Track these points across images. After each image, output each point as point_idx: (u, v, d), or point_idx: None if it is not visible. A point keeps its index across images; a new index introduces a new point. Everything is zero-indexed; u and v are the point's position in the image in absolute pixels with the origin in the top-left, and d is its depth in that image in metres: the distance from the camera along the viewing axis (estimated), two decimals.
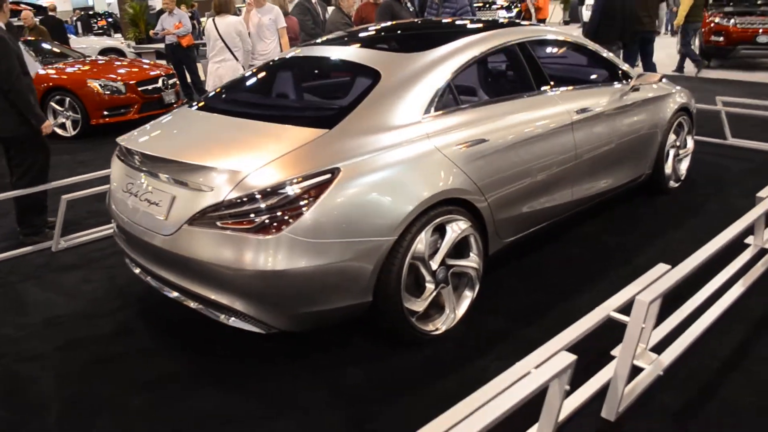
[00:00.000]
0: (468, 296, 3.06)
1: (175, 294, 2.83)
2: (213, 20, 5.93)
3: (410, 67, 3.04)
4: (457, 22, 4.05)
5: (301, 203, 2.45)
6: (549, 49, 4.12)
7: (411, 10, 6.71)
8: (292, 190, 2.45)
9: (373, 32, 3.78)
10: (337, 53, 3.38)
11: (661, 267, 2.73)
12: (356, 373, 2.75)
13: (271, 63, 3.66)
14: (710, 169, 5.49)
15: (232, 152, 2.67)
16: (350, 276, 2.56)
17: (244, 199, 2.45)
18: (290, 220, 2.42)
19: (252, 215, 2.44)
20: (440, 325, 2.92)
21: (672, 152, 4.69)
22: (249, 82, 3.55)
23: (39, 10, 14.01)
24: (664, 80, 4.70)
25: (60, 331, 3.23)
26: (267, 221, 2.42)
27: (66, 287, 3.76)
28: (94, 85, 7.74)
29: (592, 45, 4.11)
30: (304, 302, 2.55)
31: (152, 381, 2.76)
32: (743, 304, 3.19)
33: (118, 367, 2.88)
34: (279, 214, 2.42)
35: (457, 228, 2.88)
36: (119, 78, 7.99)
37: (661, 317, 2.81)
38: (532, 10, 14.80)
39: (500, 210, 3.14)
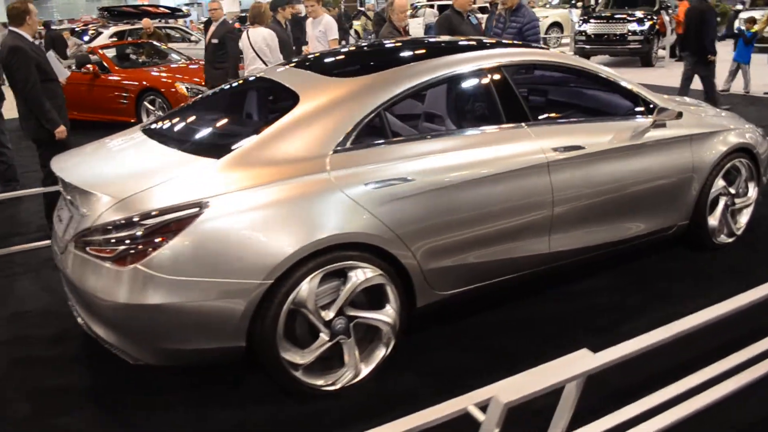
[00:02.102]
0: (381, 353, 2.74)
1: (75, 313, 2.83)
2: (247, 32, 6.16)
3: (333, 93, 2.79)
4: (435, 42, 3.64)
5: (161, 237, 2.33)
6: (540, 76, 3.61)
7: (476, 23, 6.30)
8: (153, 222, 2.34)
9: (338, 53, 3.55)
10: (281, 76, 3.19)
11: (583, 353, 2.25)
12: (227, 418, 2.57)
13: (227, 84, 3.56)
14: None
15: (121, 178, 2.63)
16: (215, 317, 2.39)
17: (108, 228, 2.38)
18: (147, 254, 2.31)
19: (113, 244, 2.36)
20: (336, 381, 2.64)
21: (723, 201, 3.93)
22: (194, 105, 3.45)
23: (174, 12, 15.18)
24: (711, 114, 3.96)
25: (17, 326, 3.41)
26: (125, 252, 2.33)
27: (52, 283, 3.95)
28: (181, 87, 8.23)
29: (605, 72, 3.51)
30: (164, 339, 2.43)
31: (51, 390, 2.80)
32: (731, 408, 2.54)
33: (35, 372, 2.96)
34: (137, 246, 2.33)
35: (362, 275, 2.59)
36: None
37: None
38: (669, 25, 13.33)
39: (433, 260, 2.79)
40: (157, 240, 2.32)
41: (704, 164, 3.71)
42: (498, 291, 3.23)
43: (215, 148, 2.64)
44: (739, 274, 3.72)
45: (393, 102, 2.82)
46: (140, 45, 9.93)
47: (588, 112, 3.71)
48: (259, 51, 5.97)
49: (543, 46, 6.01)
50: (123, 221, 2.35)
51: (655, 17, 13.61)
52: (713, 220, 3.91)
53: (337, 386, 2.64)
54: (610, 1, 15.20)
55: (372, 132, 2.75)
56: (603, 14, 14.38)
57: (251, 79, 3.44)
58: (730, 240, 4.07)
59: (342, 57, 3.53)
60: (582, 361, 2.19)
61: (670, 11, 14.08)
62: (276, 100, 2.98)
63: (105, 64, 8.79)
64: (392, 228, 2.63)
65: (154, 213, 2.34)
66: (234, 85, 3.53)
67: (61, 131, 4.44)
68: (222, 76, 6.70)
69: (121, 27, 12.78)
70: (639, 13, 13.96)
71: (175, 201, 2.37)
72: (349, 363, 2.66)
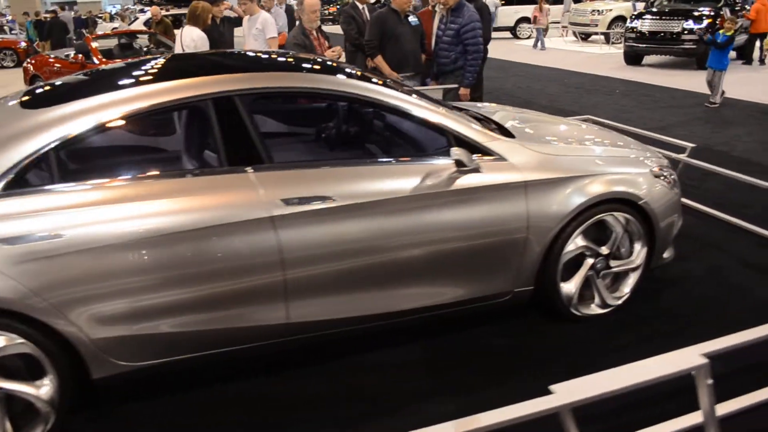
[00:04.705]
0: (38, 429, 2.36)
1: None
2: (182, 31, 5.76)
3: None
4: (161, 65, 3.09)
5: None
6: (297, 107, 2.98)
7: (416, 24, 5.60)
8: None
9: (81, 75, 3.13)
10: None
11: None
12: None
13: None
14: (721, 288, 3.62)
15: None
16: None
17: None
18: None
19: None
20: None
21: (588, 264, 3.16)
22: None
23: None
24: (589, 151, 3.23)
25: None
26: None
27: None
28: None
29: (406, 101, 2.84)
30: None
31: None
32: None
33: None
34: None
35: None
36: None
37: None
38: (731, 24, 11.57)
39: (106, 328, 2.35)
40: None
41: (548, 218, 2.97)
42: (240, 360, 2.75)
43: None
44: (586, 362, 2.91)
45: (72, 141, 2.39)
46: (136, 35, 9.94)
47: (367, 152, 3.06)
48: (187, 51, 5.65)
49: (478, 48, 5.30)
50: None
51: (718, 14, 12.02)
52: (570, 287, 3.15)
53: None
54: None
55: (33, 175, 2.33)
56: (660, 9, 12.92)
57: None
58: (603, 311, 3.28)
59: (71, 81, 3.04)
60: None
61: (741, 10, 12.36)
62: None
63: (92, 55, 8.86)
64: (36, 291, 2.22)
65: None
66: None
67: None
68: None
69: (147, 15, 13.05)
70: (701, 10, 12.39)
71: None
72: None
